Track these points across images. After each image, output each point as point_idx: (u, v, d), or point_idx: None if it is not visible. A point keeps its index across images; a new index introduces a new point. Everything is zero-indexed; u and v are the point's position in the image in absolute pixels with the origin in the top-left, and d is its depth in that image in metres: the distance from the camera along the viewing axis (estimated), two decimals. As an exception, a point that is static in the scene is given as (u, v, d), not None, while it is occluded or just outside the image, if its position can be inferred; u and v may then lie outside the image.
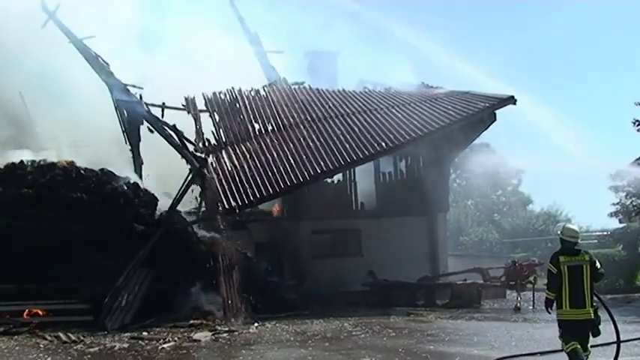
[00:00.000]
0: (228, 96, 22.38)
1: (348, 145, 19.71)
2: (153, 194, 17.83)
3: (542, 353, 10.61)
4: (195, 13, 26.94)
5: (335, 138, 20.13)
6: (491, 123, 22.37)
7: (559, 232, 8.67)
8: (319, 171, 19.02)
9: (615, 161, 29.41)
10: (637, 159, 24.72)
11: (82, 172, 16.86)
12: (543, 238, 40.63)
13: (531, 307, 19.42)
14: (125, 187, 17.15)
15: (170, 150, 18.79)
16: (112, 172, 17.47)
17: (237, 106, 21.90)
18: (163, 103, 20.46)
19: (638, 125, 24.17)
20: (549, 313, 8.51)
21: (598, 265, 8.36)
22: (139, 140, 20.28)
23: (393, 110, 21.71)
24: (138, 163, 20.18)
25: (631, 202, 26.63)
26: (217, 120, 20.93)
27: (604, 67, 74.86)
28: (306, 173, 18.81)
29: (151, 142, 20.10)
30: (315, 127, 20.90)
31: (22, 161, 17.00)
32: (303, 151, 19.72)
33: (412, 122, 20.77)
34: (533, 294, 20.12)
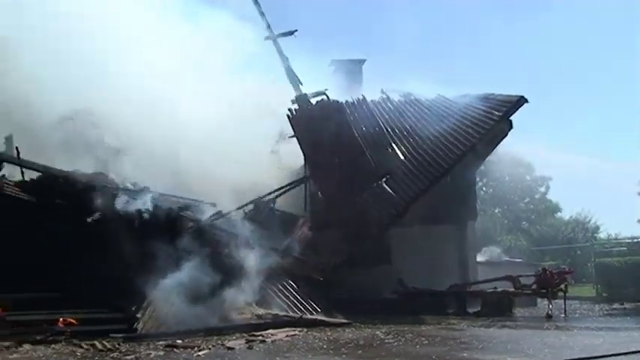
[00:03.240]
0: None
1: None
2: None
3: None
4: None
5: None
6: (510, 130, 22.13)
7: None
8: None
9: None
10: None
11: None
12: (572, 246, 40.36)
13: (563, 315, 19.37)
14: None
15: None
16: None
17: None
18: None
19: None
20: None
21: None
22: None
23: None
24: None
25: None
26: None
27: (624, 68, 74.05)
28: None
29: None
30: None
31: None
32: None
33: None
34: (565, 302, 20.07)
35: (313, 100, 23.44)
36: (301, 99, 23.21)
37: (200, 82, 24.04)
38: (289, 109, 22.76)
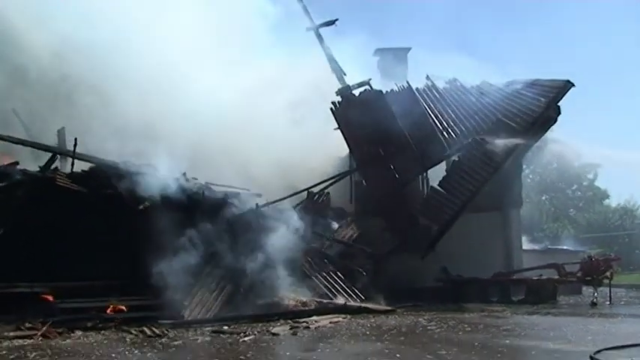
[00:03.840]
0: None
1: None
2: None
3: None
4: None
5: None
6: (558, 115, 21.76)
7: None
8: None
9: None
10: None
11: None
12: (620, 233, 39.85)
13: (608, 303, 19.25)
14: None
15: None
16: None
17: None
18: None
19: None
20: None
21: None
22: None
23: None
24: None
25: None
26: None
27: None
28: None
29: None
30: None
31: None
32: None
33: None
34: (610, 289, 19.94)
35: (357, 92, 23.40)
36: (344, 91, 23.15)
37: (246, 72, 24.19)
38: (332, 102, 22.78)
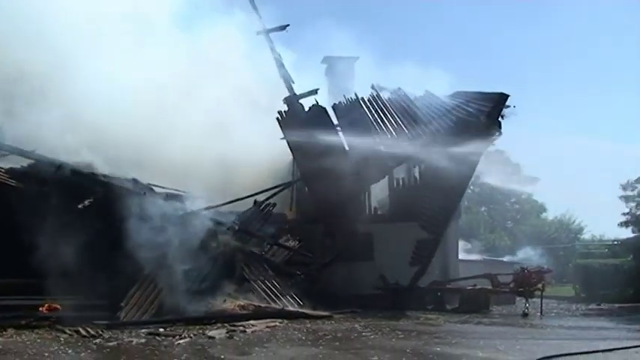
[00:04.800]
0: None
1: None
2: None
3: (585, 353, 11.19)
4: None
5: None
6: (499, 129, 22.09)
7: None
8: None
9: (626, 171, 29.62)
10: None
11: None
12: (554, 246, 40.78)
13: (539, 314, 19.76)
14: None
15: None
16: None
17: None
18: None
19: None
20: None
21: None
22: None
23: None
24: None
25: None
26: None
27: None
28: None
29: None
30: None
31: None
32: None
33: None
34: (542, 301, 20.46)
35: (305, 100, 23.53)
36: (291, 100, 23.16)
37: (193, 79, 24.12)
38: (279, 112, 22.83)
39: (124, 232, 15.52)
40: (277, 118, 22.65)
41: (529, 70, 72.89)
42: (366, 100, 24.03)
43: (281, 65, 24.75)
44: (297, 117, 22.75)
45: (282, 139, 22.87)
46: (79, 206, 16.14)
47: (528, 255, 34.49)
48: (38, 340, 12.52)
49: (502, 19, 74.93)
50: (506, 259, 33.42)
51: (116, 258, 15.26)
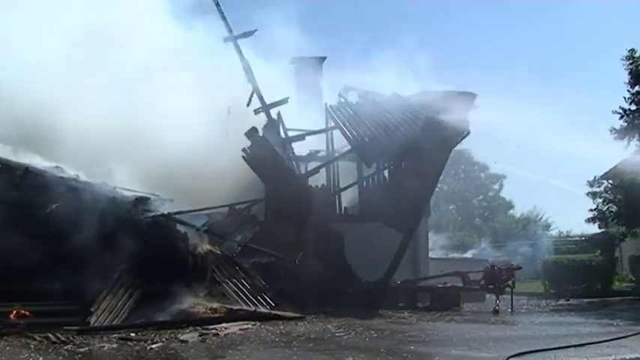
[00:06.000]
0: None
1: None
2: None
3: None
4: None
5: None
6: (467, 127, 22.29)
7: None
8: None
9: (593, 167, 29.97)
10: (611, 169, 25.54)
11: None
12: (522, 243, 41.23)
13: (509, 310, 19.95)
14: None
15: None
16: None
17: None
18: None
19: (614, 133, 24.87)
20: None
21: None
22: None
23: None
24: None
25: (607, 209, 27.35)
26: None
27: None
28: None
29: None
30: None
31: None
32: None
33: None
34: (512, 297, 20.67)
35: (274, 110, 23.54)
36: (251, 134, 22.33)
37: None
38: (243, 149, 22.17)
39: (93, 237, 15.38)
40: (243, 157, 22.14)
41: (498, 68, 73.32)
42: (334, 107, 24.18)
43: (249, 70, 24.43)
44: (257, 154, 22.33)
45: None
46: (47, 210, 15.96)
47: (487, 251, 35.20)
48: (7, 348, 12.28)
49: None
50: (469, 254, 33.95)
51: (86, 262, 15.10)
